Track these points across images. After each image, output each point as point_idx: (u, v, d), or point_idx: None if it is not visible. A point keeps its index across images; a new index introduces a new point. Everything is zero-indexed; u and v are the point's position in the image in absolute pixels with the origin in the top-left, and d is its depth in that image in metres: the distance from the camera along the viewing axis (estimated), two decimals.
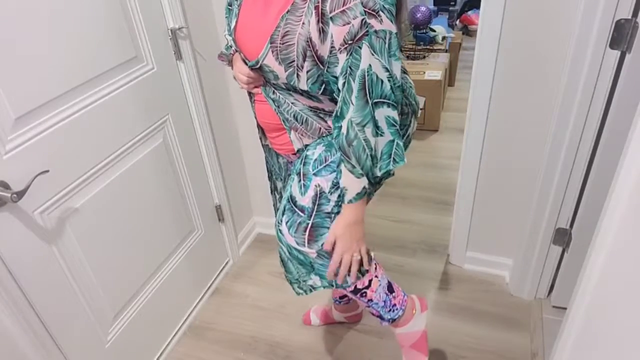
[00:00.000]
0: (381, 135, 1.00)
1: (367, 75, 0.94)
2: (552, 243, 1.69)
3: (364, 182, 1.02)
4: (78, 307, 1.34)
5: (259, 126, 1.25)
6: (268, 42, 0.99)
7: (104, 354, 1.46)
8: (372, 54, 0.93)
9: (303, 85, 1.02)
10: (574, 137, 1.45)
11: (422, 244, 2.16)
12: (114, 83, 1.37)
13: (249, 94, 1.21)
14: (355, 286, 1.20)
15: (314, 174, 1.11)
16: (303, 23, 0.94)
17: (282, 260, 1.22)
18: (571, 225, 1.62)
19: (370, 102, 0.96)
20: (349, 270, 1.13)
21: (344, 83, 0.96)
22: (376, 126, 0.99)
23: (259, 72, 1.09)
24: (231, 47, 1.19)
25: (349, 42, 0.92)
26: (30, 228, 1.17)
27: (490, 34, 1.45)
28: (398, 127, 1.02)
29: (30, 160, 1.14)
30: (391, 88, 0.98)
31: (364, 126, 0.97)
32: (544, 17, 1.38)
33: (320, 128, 1.13)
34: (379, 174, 1.03)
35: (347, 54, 0.94)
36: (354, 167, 1.00)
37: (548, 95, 1.48)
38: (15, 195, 1.05)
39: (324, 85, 1.03)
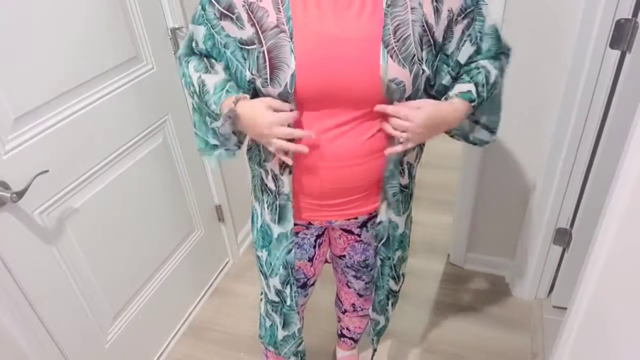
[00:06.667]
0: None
1: (498, 30, 0.96)
2: (553, 243, 1.69)
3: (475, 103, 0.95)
4: (78, 307, 1.34)
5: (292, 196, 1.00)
6: (382, 48, 0.84)
7: (104, 354, 1.46)
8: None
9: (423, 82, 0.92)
10: (575, 137, 1.45)
11: (422, 244, 2.15)
12: (113, 83, 1.36)
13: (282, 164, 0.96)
14: None
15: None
16: (413, 8, 0.86)
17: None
18: (571, 225, 1.62)
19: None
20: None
21: (474, 46, 0.94)
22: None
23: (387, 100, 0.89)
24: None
25: (470, 7, 0.91)
26: (30, 228, 1.17)
27: None
28: None
29: (29, 160, 1.14)
30: None
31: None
32: (544, 17, 1.37)
33: None
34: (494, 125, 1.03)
35: (468, 21, 0.91)
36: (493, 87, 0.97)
37: (548, 95, 1.48)
38: (15, 195, 1.05)
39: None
